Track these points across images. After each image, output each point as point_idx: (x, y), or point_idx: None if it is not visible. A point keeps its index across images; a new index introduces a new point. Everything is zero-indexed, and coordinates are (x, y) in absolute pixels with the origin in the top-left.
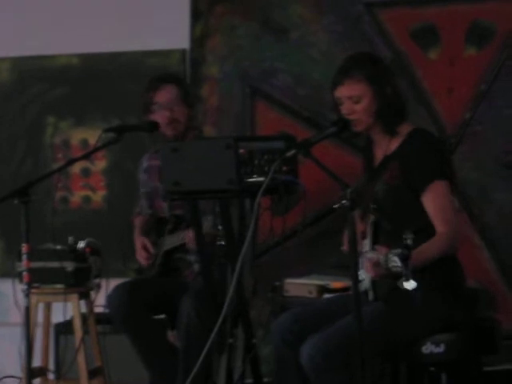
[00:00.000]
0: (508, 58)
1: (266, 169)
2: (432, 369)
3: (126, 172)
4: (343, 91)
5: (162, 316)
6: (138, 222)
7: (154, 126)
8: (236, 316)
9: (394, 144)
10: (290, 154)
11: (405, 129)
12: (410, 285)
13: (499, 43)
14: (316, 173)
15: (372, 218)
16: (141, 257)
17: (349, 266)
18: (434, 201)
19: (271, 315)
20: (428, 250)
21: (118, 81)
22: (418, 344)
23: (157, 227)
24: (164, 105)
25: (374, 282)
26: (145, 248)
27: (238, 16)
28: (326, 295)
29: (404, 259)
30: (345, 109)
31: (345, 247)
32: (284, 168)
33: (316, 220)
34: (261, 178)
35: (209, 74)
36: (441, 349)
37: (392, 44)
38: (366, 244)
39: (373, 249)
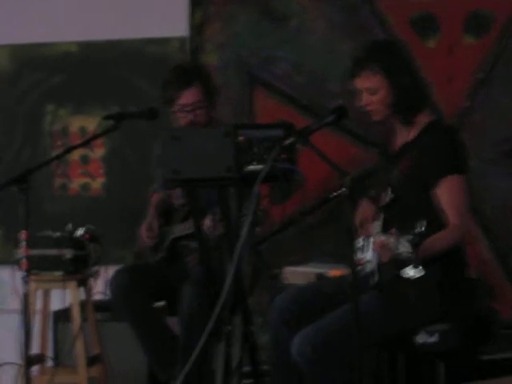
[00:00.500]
0: (506, 46)
1: (265, 157)
2: (430, 357)
3: (125, 159)
4: (360, 83)
5: (162, 302)
6: (154, 199)
7: (153, 114)
8: (234, 303)
9: (413, 133)
10: (288, 142)
11: (424, 118)
12: (419, 271)
13: (498, 32)
14: (315, 161)
15: (387, 198)
16: (142, 235)
17: (347, 254)
18: (447, 194)
19: (269, 303)
20: (439, 241)
21: (117, 68)
22: (411, 334)
23: (168, 213)
24: (187, 108)
25: (379, 265)
26: (149, 227)
27: (237, 4)
28: None
29: (415, 245)
30: (362, 99)
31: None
32: (282, 156)
33: (314, 208)
34: (259, 166)
35: (208, 62)
36: (434, 338)
37: (391, 32)
38: (377, 226)
39: (384, 231)
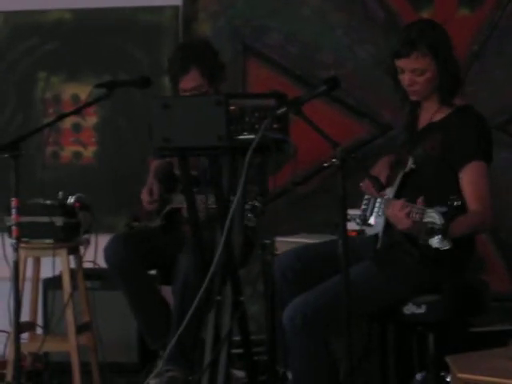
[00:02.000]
0: (500, 19)
1: (257, 126)
2: (419, 329)
3: (117, 128)
4: (408, 64)
5: (154, 271)
6: (153, 165)
7: (145, 82)
8: (225, 274)
9: (442, 113)
10: (280, 111)
11: (456, 101)
12: (446, 244)
13: (492, 4)
14: (307, 131)
15: (406, 169)
16: (144, 200)
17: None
18: (470, 179)
19: (260, 273)
20: (461, 223)
21: (110, 36)
22: (400, 305)
23: (169, 181)
24: (186, 93)
25: (386, 228)
26: (150, 192)
27: None
28: None
29: (448, 219)
30: (406, 79)
31: (362, 185)
32: (275, 126)
33: (306, 178)
34: (251, 136)
35: (201, 31)
36: (422, 310)
37: (385, 3)
38: (390, 192)
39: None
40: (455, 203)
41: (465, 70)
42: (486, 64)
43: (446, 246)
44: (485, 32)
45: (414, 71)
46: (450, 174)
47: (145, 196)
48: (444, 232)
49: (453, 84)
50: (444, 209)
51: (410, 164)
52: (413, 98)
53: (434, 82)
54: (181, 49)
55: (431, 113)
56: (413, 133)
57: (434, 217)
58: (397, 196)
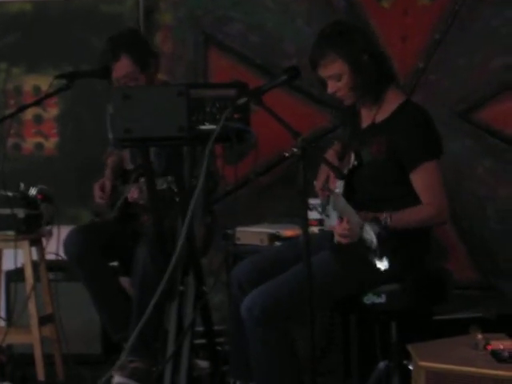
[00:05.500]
0: (461, 7)
1: (218, 116)
2: (382, 317)
3: (78, 119)
4: (322, 72)
5: (115, 262)
6: (109, 161)
7: (106, 72)
8: (187, 264)
9: (384, 113)
10: (241, 101)
11: (394, 98)
12: (383, 264)
13: None
14: (268, 121)
15: (349, 165)
16: (95, 194)
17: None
18: (422, 180)
19: (222, 263)
20: (410, 214)
21: (71, 28)
22: (360, 295)
23: (124, 173)
24: (120, 81)
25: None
26: (101, 188)
27: None
28: (277, 243)
29: (381, 239)
30: (329, 87)
31: (317, 183)
32: (235, 116)
33: (268, 168)
34: (212, 126)
35: (162, 22)
36: (382, 299)
37: None
38: (340, 186)
39: (347, 193)
40: (384, 222)
41: (426, 58)
42: (447, 52)
43: (385, 266)
44: (446, 20)
45: (331, 78)
46: (396, 175)
47: (96, 191)
48: (380, 255)
49: (378, 78)
50: (377, 229)
51: (353, 161)
52: (346, 103)
53: (355, 83)
54: (110, 40)
55: (372, 112)
56: (355, 130)
57: (370, 234)
58: (347, 189)
